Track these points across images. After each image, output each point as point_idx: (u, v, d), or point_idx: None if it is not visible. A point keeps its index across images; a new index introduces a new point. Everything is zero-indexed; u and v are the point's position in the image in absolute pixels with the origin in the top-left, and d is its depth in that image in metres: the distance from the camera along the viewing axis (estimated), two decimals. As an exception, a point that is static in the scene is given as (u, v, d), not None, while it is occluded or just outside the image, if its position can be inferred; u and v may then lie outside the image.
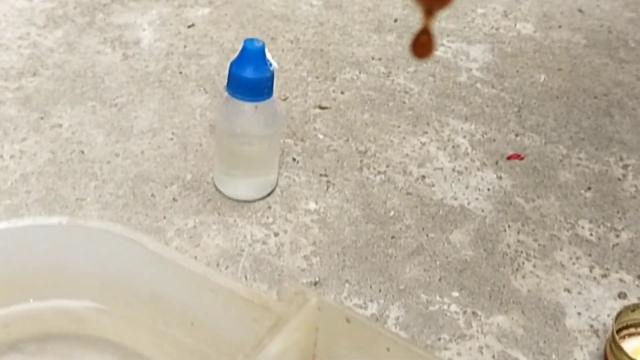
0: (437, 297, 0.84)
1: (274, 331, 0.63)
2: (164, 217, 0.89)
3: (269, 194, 0.93)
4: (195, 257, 0.84)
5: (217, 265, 0.84)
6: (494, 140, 1.04)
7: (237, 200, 0.92)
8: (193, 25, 1.10)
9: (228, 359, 0.69)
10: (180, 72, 1.11)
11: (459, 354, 0.78)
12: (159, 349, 0.73)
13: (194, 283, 0.69)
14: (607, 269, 0.88)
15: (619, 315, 0.77)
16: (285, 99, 1.09)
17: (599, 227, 0.93)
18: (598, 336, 0.81)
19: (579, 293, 0.85)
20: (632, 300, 0.85)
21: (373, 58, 1.18)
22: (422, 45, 0.44)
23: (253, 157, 0.92)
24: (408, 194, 0.95)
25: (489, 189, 0.97)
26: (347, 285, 0.84)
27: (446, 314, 0.82)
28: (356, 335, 0.66)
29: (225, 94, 0.89)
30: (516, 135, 1.06)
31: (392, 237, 0.90)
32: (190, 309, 0.70)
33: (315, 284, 0.83)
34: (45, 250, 0.72)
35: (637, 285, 0.87)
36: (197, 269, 0.68)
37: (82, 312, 0.74)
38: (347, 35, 1.24)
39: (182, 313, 0.71)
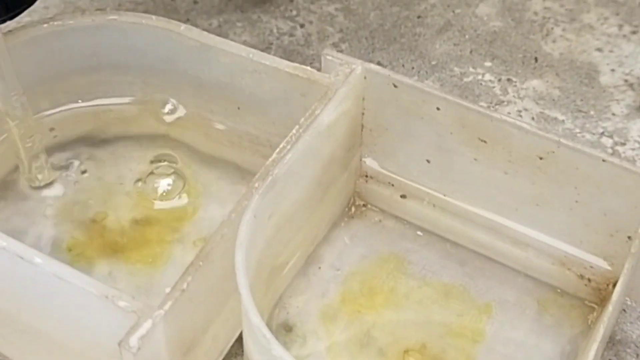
0: (470, 69, 0.84)
1: (324, 100, 0.64)
2: (187, 20, 0.88)
3: (289, -13, 0.92)
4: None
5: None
6: None
7: (258, -4, 0.91)
8: None
9: (277, 138, 0.70)
10: None
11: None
12: (206, 138, 0.73)
13: (237, 65, 0.69)
14: (636, 26, 0.88)
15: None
16: None
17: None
18: (633, 89, 0.82)
19: (611, 51, 0.86)
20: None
21: None
22: None
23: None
24: (428, -26, 0.94)
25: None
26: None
27: (481, 83, 0.83)
28: (404, 98, 0.66)
29: None
30: None
31: (419, 17, 0.89)
32: (235, 93, 0.70)
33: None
34: (81, 49, 0.71)
35: (667, 40, 0.87)
36: (239, 51, 0.68)
37: (125, 110, 0.75)
38: None
39: (227, 99, 0.71)
